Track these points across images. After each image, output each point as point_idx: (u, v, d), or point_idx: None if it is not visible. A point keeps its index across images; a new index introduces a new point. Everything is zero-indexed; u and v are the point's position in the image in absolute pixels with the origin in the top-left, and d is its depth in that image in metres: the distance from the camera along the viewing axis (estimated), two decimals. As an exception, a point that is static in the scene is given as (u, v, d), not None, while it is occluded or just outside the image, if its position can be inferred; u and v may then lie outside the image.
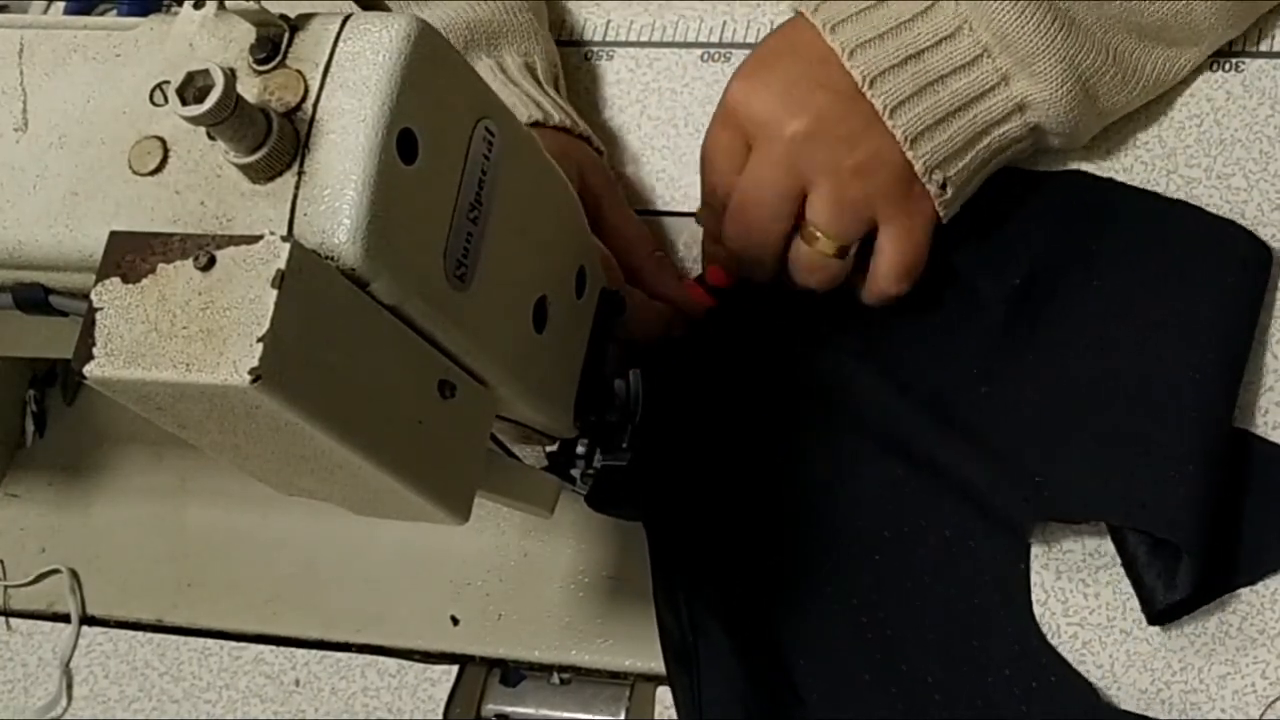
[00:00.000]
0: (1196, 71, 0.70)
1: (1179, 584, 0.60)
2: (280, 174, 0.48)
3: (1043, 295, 0.68)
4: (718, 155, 0.68)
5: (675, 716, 0.65)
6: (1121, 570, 0.63)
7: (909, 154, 0.64)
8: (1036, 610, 0.64)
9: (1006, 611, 0.63)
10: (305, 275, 0.46)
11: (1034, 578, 0.64)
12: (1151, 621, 0.62)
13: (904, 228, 0.66)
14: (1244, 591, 0.62)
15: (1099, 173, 0.70)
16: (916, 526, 0.65)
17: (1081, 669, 0.62)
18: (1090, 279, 0.67)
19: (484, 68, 0.72)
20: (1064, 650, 0.63)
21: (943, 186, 0.66)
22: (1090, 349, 0.66)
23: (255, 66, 0.49)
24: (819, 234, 0.65)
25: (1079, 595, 0.64)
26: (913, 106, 0.64)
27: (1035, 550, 0.64)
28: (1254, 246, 0.66)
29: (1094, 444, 0.63)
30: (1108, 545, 0.64)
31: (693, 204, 0.74)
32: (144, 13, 0.61)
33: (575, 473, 0.67)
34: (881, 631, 0.64)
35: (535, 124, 0.70)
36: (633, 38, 0.79)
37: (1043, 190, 0.70)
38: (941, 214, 0.67)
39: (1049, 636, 0.63)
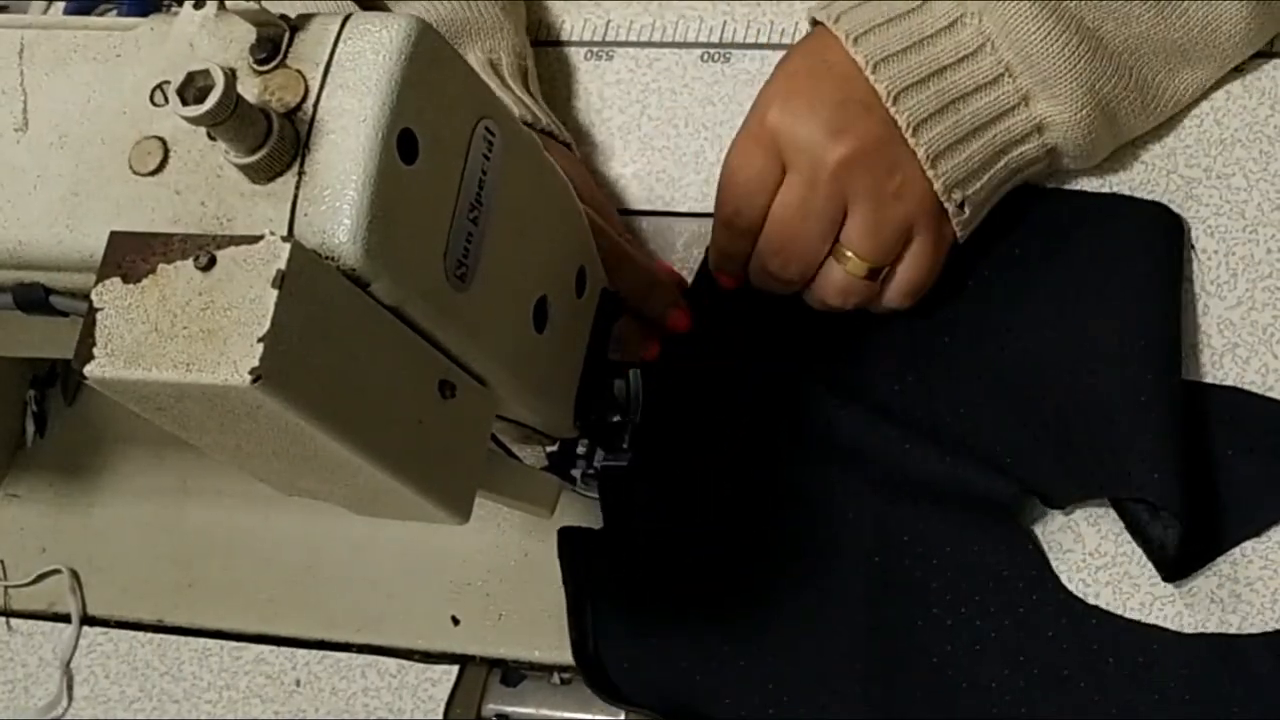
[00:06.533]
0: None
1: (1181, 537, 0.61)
2: (280, 174, 0.48)
3: (972, 295, 0.68)
4: (747, 176, 0.66)
5: (675, 716, 0.65)
6: (1122, 570, 0.63)
7: (929, 173, 0.64)
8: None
9: (1041, 591, 0.63)
10: (305, 275, 0.46)
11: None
12: (1168, 578, 0.62)
13: (927, 247, 0.66)
14: (1245, 591, 0.62)
15: (1100, 174, 0.70)
16: (910, 533, 0.65)
17: (1082, 669, 0.63)
18: (1016, 272, 0.68)
19: None
20: (1064, 650, 0.63)
21: (961, 206, 0.65)
22: (1028, 336, 0.67)
23: (255, 66, 0.49)
24: (853, 255, 0.65)
25: (1077, 594, 0.64)
26: (935, 125, 0.64)
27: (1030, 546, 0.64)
28: (1162, 213, 0.68)
29: (1055, 425, 0.64)
30: (1106, 545, 0.64)
31: (693, 204, 0.74)
32: (144, 13, 0.61)
33: (575, 473, 0.68)
34: (894, 646, 0.64)
35: None
36: (633, 38, 0.79)
37: None
38: (959, 233, 0.67)
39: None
